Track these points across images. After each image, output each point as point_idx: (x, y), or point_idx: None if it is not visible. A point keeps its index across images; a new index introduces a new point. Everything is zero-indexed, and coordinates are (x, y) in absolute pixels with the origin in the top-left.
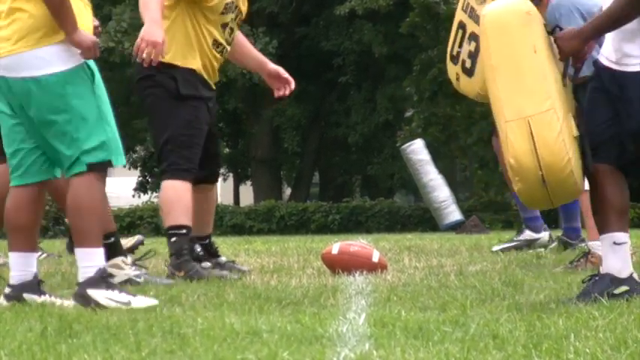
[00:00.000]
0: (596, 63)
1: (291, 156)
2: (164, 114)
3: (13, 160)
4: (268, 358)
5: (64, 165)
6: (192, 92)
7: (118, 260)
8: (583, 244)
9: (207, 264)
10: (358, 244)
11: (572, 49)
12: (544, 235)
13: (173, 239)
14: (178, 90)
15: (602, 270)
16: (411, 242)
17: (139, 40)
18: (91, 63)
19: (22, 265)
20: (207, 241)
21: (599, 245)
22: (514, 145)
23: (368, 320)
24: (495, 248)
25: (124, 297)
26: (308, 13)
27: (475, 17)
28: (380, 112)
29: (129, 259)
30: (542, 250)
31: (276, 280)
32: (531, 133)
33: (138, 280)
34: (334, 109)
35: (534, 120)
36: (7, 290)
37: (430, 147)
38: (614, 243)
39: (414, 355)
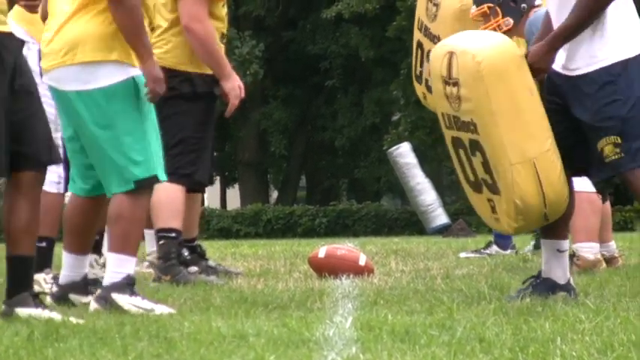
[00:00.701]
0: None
1: (278, 159)
2: (178, 114)
3: (72, 169)
4: None
5: (110, 181)
6: (207, 90)
7: (90, 258)
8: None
9: (193, 268)
10: (345, 247)
11: (548, 65)
12: (510, 254)
13: (162, 242)
14: (195, 90)
15: (544, 274)
16: (398, 246)
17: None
18: (139, 79)
19: (73, 267)
20: (195, 243)
21: (584, 247)
22: (521, 187)
23: (354, 324)
24: (464, 255)
25: (147, 304)
26: (295, 17)
27: (430, 36)
28: (367, 116)
29: (102, 259)
30: (529, 253)
31: (263, 283)
32: (537, 174)
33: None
34: (321, 112)
35: (539, 160)
36: (54, 289)
37: (417, 150)
38: (558, 250)
39: (400, 359)
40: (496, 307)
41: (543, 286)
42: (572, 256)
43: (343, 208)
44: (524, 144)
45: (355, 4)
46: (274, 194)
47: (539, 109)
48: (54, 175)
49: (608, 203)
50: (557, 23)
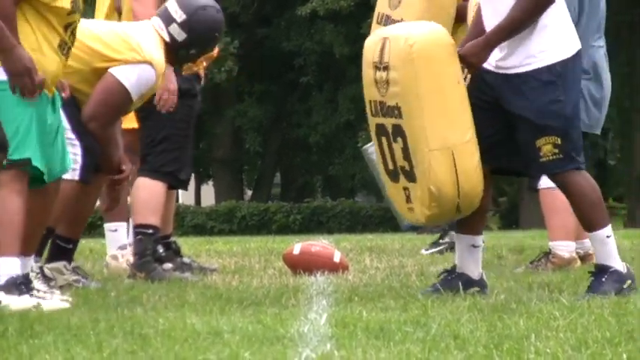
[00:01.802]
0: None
1: (253, 156)
2: (160, 111)
3: None
4: (230, 359)
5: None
6: (188, 87)
7: (60, 265)
8: None
9: (168, 265)
10: (319, 244)
11: (482, 61)
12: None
13: (139, 237)
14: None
15: (458, 269)
16: (373, 243)
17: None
18: None
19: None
20: (170, 239)
21: (560, 245)
22: (437, 174)
23: (329, 320)
24: (425, 252)
25: (32, 300)
26: (269, 14)
27: (392, 22)
28: (341, 113)
29: (71, 264)
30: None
31: (238, 280)
32: (454, 163)
33: (77, 285)
34: (295, 109)
35: (457, 150)
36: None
37: None
38: (473, 246)
39: (375, 356)
40: (470, 304)
41: (457, 281)
42: (548, 253)
43: (318, 204)
44: (445, 131)
45: (330, 1)
46: (249, 191)
47: (465, 100)
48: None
49: None
50: (488, 19)
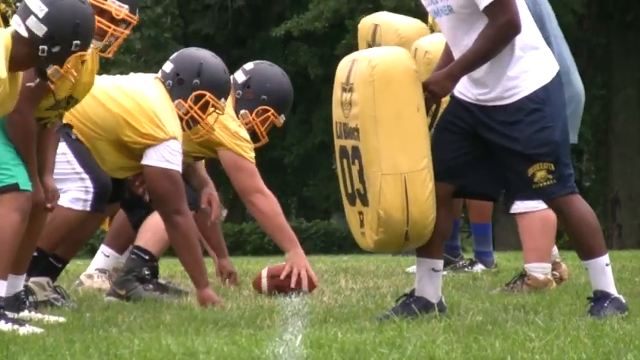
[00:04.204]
0: (457, 99)
1: (228, 177)
2: None
3: None
4: None
5: None
6: None
7: (43, 280)
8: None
9: (149, 286)
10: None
11: (447, 92)
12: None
13: (133, 257)
14: None
15: (417, 293)
16: (348, 264)
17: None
18: None
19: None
20: (156, 263)
21: (535, 267)
22: (387, 199)
23: (304, 341)
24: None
25: (7, 326)
26: (244, 35)
27: None
28: (316, 134)
29: (53, 283)
30: (479, 271)
31: None
32: (405, 190)
33: (56, 303)
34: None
35: (410, 177)
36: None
37: None
38: (433, 270)
39: None
40: (446, 325)
41: (417, 305)
42: (524, 275)
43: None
44: (398, 157)
45: (304, 22)
46: (223, 212)
47: (423, 127)
48: (80, 192)
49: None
50: (453, 48)
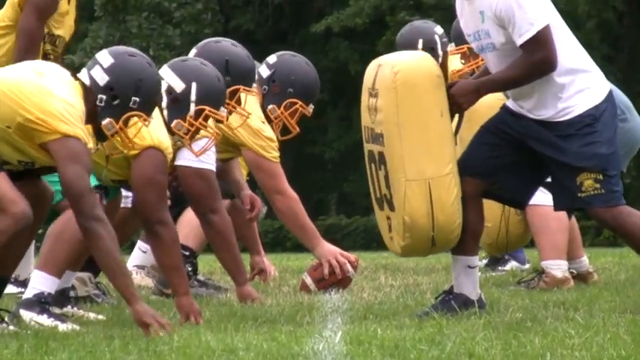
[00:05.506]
0: (509, 109)
1: None
2: None
3: None
4: None
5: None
6: None
7: (85, 276)
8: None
9: (194, 282)
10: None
11: (470, 105)
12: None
13: None
14: None
15: (456, 289)
16: (387, 260)
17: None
18: None
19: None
20: (195, 259)
21: (553, 265)
22: (412, 205)
23: (344, 338)
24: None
25: (50, 321)
26: (284, 31)
27: None
28: (356, 130)
29: (95, 278)
30: (519, 269)
31: None
32: (430, 195)
33: (97, 299)
34: (310, 126)
35: (434, 182)
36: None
37: None
38: (469, 266)
39: None
40: (485, 322)
41: (456, 302)
42: (541, 273)
43: (332, 222)
44: (423, 162)
45: (345, 18)
46: (264, 209)
47: (447, 132)
48: None
49: (574, 219)
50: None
